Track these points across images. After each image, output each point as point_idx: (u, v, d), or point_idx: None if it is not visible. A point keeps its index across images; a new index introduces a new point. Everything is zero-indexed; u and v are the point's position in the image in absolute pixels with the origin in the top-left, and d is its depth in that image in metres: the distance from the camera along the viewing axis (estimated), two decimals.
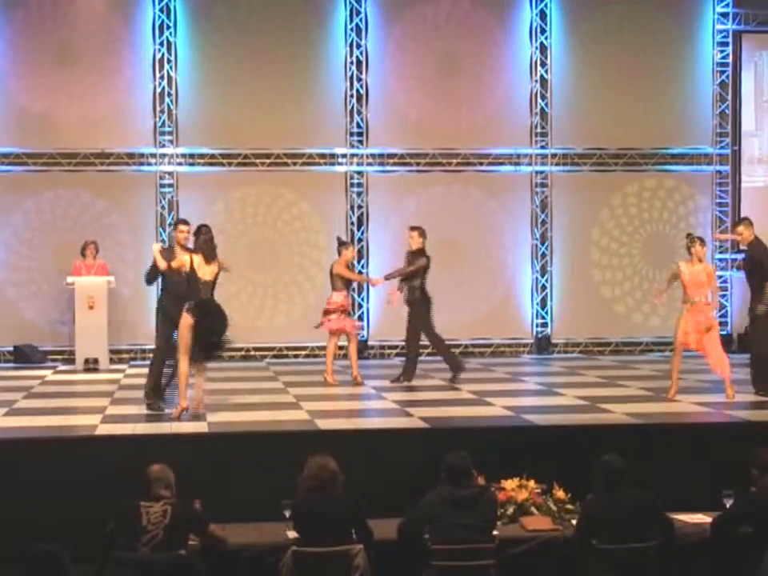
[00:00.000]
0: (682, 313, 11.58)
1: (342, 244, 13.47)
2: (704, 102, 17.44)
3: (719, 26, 17.40)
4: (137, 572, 6.80)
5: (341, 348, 13.95)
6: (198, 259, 10.59)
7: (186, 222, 11.35)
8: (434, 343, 13.56)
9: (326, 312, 13.24)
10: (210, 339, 10.59)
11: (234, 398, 11.58)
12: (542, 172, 17.23)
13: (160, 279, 11.41)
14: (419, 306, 13.28)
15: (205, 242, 10.68)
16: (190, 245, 10.83)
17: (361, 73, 16.84)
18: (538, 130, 17.18)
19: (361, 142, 16.91)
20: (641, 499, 7.26)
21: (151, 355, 11.76)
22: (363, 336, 16.74)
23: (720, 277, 16.73)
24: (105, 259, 15.59)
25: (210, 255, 10.63)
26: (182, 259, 10.67)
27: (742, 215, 17.19)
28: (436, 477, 7.41)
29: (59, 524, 8.16)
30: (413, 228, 13.67)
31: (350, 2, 16.82)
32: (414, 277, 13.34)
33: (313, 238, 16.82)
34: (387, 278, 13.66)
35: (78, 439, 9.53)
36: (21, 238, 16.43)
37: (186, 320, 10.45)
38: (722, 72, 17.41)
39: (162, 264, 10.80)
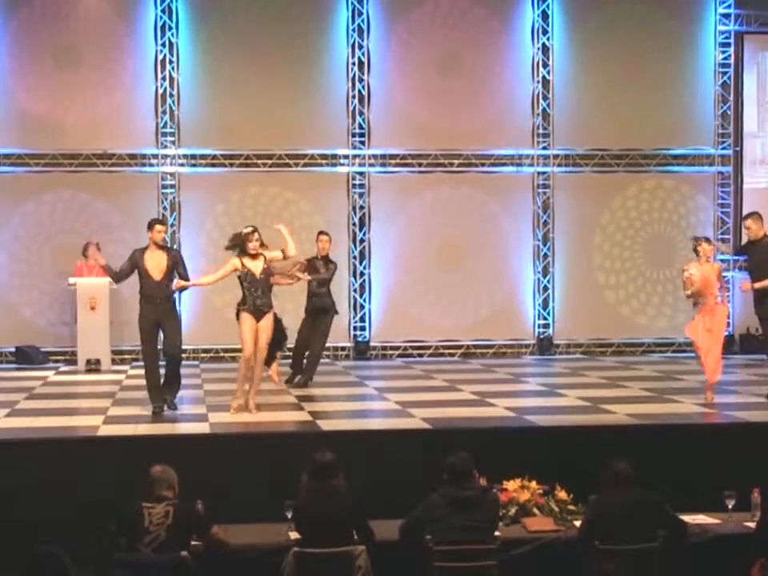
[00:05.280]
0: (695, 315, 11.55)
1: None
2: (706, 103, 17.43)
3: (721, 27, 17.38)
4: (138, 573, 6.80)
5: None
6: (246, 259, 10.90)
7: (162, 222, 11.43)
8: (321, 349, 13.41)
9: None
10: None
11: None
12: (543, 173, 17.22)
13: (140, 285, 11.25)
14: (331, 311, 13.27)
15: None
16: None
17: (363, 74, 16.83)
18: (540, 131, 17.17)
19: (363, 142, 16.90)
20: (646, 500, 7.26)
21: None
22: (365, 337, 16.76)
23: (722, 278, 16.70)
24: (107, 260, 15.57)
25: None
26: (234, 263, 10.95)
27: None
28: (438, 478, 7.41)
29: (61, 525, 8.18)
30: (325, 233, 13.56)
31: (352, 3, 16.81)
32: (327, 282, 13.29)
33: (315, 239, 16.76)
34: (312, 279, 13.27)
35: (80, 440, 9.53)
36: (22, 239, 16.42)
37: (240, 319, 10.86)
38: (724, 73, 17.39)
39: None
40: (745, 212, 17.20)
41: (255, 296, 10.88)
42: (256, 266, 10.91)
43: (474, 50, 17.06)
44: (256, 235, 10.97)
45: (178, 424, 10.33)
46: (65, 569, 5.73)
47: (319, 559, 7.08)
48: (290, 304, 13.81)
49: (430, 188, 17.06)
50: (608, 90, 17.17)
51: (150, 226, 11.14)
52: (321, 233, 13.64)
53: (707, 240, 11.66)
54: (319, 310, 13.27)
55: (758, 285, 11.68)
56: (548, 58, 17.14)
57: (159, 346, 11.31)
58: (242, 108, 16.59)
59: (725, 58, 17.39)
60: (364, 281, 16.84)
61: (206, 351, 16.51)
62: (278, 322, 11.35)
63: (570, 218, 17.26)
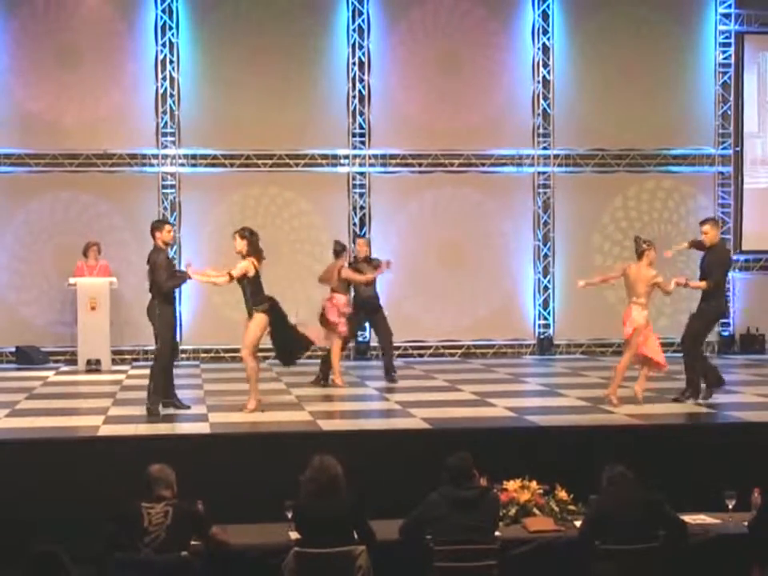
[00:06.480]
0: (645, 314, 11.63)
1: (343, 248, 13.34)
2: (706, 103, 17.44)
3: (721, 27, 17.39)
4: (139, 573, 6.79)
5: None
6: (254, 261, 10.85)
7: (170, 222, 11.43)
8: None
9: (341, 315, 13.12)
10: (287, 337, 11.00)
11: (236, 398, 11.56)
12: (544, 173, 17.22)
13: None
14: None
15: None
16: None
17: (363, 74, 16.84)
18: (540, 131, 17.17)
19: (363, 142, 16.91)
20: (646, 500, 7.26)
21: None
22: (365, 337, 16.75)
23: None
24: (107, 260, 15.61)
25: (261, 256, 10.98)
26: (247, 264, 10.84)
27: (744, 216, 17.26)
28: (438, 478, 7.41)
29: (61, 525, 8.18)
30: (363, 236, 13.81)
31: (353, 3, 16.82)
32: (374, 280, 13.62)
33: (315, 239, 16.81)
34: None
35: (81, 440, 9.54)
36: (23, 239, 16.43)
37: (263, 320, 10.74)
38: (724, 73, 17.40)
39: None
40: (745, 212, 17.32)
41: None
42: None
43: (474, 49, 17.07)
44: (235, 235, 10.99)
45: (178, 424, 10.34)
46: (65, 569, 5.72)
47: (319, 559, 7.07)
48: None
49: (430, 188, 17.06)
50: (608, 90, 17.17)
51: (160, 227, 10.97)
52: (357, 236, 13.88)
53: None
54: (376, 307, 13.66)
55: (692, 284, 11.84)
56: (548, 58, 17.15)
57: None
58: (242, 108, 16.59)
59: (725, 58, 17.39)
60: None
61: (206, 351, 16.52)
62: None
63: (570, 218, 17.26)
